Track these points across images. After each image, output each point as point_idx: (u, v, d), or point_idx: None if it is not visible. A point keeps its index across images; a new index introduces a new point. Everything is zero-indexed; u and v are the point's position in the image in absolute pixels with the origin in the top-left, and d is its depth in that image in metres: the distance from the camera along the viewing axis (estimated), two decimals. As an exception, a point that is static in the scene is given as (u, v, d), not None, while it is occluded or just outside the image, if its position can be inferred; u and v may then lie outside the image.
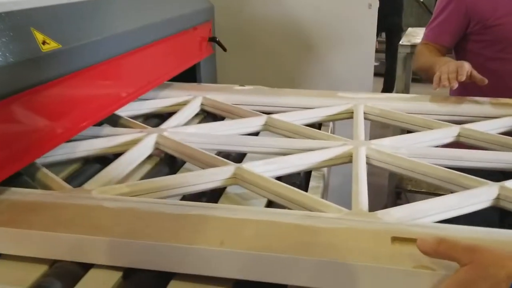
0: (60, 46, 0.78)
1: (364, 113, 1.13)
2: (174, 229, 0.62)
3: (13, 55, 0.68)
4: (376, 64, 4.83)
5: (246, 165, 0.82)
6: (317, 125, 1.15)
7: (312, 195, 0.73)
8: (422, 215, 0.70)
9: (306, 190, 0.84)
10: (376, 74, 2.06)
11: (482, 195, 0.75)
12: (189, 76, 1.44)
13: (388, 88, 4.34)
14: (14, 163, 0.71)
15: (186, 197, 0.80)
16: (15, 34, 0.71)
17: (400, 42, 2.44)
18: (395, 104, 1.16)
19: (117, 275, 0.61)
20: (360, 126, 1.03)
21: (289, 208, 0.73)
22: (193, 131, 1.01)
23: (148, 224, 0.64)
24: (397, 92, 3.78)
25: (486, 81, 1.17)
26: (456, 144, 1.01)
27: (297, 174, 0.89)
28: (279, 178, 0.83)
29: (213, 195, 0.84)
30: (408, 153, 0.90)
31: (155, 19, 1.15)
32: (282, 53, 2.01)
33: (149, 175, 0.90)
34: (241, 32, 1.99)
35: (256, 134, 1.08)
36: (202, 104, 1.21)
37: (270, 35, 2.00)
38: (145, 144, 0.93)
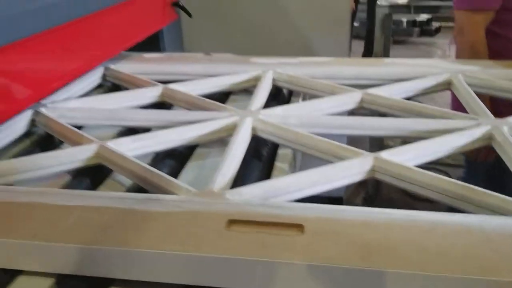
0: None
1: (274, 79, 1.06)
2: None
3: None
4: (356, 25, 4.65)
5: (112, 142, 0.76)
6: (224, 95, 1.07)
7: (166, 176, 0.67)
8: (280, 193, 0.64)
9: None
10: (357, 37, 1.94)
11: (355, 167, 0.69)
12: (151, 44, 1.33)
13: (368, 51, 4.13)
14: None
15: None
16: None
17: (378, 2, 2.30)
18: (308, 70, 1.09)
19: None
20: (260, 94, 0.96)
21: (145, 189, 0.67)
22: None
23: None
24: (375, 55, 3.66)
25: None
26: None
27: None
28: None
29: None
30: (298, 123, 0.84)
31: None
32: (252, 17, 1.89)
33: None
34: None
35: (154, 106, 1.01)
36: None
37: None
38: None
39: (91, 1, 1.00)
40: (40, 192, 0.62)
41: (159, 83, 1.03)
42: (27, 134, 0.87)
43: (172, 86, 1.01)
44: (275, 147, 0.86)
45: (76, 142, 0.78)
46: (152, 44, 1.35)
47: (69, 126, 0.82)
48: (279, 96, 1.08)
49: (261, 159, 0.83)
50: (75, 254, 0.51)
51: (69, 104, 0.93)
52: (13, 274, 0.53)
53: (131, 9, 1.17)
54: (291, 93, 1.10)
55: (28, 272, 0.53)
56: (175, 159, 0.81)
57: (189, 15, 1.41)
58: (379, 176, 0.70)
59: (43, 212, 0.58)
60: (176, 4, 1.40)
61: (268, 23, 1.84)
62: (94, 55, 1.05)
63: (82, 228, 0.54)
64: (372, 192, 2.14)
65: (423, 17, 4.51)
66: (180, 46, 1.51)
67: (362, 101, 0.95)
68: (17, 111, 0.82)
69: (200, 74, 1.10)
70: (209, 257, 0.50)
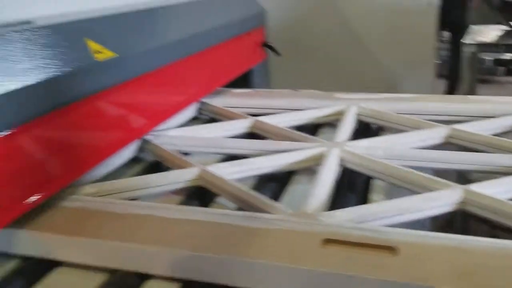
0: (116, 55, 0.83)
1: (358, 114, 1.11)
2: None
3: (67, 65, 0.72)
4: (438, 62, 4.54)
5: (212, 167, 0.84)
6: (313, 127, 1.13)
7: (263, 197, 0.73)
8: (371, 218, 0.68)
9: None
10: (440, 76, 1.96)
11: (444, 198, 0.71)
12: (242, 81, 1.44)
13: (451, 90, 4.03)
14: (74, 170, 0.76)
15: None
16: (70, 44, 0.75)
17: (465, 41, 2.30)
18: (392, 105, 1.12)
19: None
20: (345, 127, 1.01)
21: (243, 209, 0.74)
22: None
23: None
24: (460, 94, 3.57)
25: None
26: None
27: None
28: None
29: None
30: (383, 155, 0.88)
31: (207, 26, 1.19)
32: (338, 55, 1.97)
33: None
34: (295, 36, 1.98)
35: (245, 136, 1.09)
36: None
37: (325, 38, 1.97)
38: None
39: (196, 42, 1.12)
40: (156, 206, 0.71)
41: (250, 116, 1.11)
42: (136, 159, 0.99)
43: (261, 118, 1.09)
44: (364, 177, 0.89)
45: (180, 166, 0.87)
46: (242, 80, 1.46)
47: (173, 152, 0.92)
48: (364, 130, 1.11)
49: (352, 189, 0.86)
50: (192, 260, 0.58)
51: (171, 133, 1.04)
52: (143, 277, 0.61)
53: (228, 50, 1.29)
54: (378, 128, 1.13)
55: (154, 277, 0.60)
56: (268, 184, 0.87)
57: (278, 54, 1.51)
58: (469, 208, 0.71)
59: (158, 223, 0.66)
60: (266, 45, 1.51)
61: (353, 60, 1.91)
62: (196, 90, 1.16)
63: (192, 238, 0.62)
64: (458, 226, 2.05)
65: (509, 55, 4.33)
66: (268, 82, 1.62)
67: (448, 136, 0.96)
68: (135, 138, 0.93)
69: (286, 108, 1.18)
70: (309, 270, 0.54)
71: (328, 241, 0.59)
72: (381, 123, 1.08)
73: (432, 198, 0.72)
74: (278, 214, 0.67)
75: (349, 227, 0.62)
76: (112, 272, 0.62)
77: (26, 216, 0.67)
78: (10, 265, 0.67)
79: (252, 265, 0.57)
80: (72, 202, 0.73)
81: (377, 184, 0.85)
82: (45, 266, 0.65)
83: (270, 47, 1.53)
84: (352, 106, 1.11)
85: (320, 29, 1.96)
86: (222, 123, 1.11)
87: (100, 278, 0.62)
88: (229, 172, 0.83)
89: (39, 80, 0.66)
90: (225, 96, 1.29)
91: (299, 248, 0.58)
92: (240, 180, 0.83)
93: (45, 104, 0.68)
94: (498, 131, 1.00)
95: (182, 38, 1.07)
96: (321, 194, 0.74)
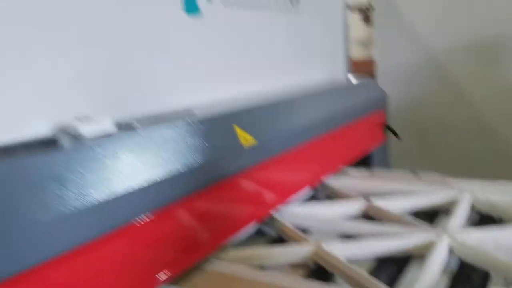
0: (256, 141, 1.02)
1: (474, 203, 1.13)
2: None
3: (221, 149, 0.90)
4: None
5: (326, 245, 0.94)
6: (427, 213, 1.18)
7: (377, 281, 0.80)
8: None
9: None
10: None
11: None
12: (362, 162, 1.56)
13: None
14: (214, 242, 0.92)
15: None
16: (223, 131, 0.94)
17: None
18: (510, 196, 1.12)
19: None
20: (459, 215, 1.04)
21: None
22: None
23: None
24: None
25: None
26: None
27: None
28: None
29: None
30: (496, 247, 0.89)
31: (331, 112, 1.36)
32: (460, 141, 1.98)
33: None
34: (416, 120, 2.07)
35: (357, 216, 1.18)
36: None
37: (446, 122, 2.00)
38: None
39: (321, 126, 1.28)
40: (282, 277, 0.84)
41: (364, 197, 1.20)
42: (259, 231, 1.14)
43: (375, 200, 1.17)
44: (480, 270, 0.90)
45: (297, 241, 0.99)
46: (363, 160, 1.56)
47: (292, 228, 1.05)
48: (480, 220, 1.12)
49: (467, 281, 0.88)
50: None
51: (291, 209, 1.17)
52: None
53: (350, 132, 1.42)
54: (494, 219, 1.13)
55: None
56: (382, 267, 0.94)
57: (398, 137, 1.59)
58: None
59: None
60: (387, 127, 1.60)
61: (476, 147, 1.88)
62: (319, 171, 1.30)
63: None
64: None
65: None
66: (387, 164, 1.70)
67: None
68: (265, 213, 1.08)
69: (402, 190, 1.24)
70: None
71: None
72: (497, 214, 1.09)
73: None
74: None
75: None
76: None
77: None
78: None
79: None
80: (211, 264, 0.90)
81: (494, 278, 0.86)
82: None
83: (391, 130, 1.61)
84: (469, 194, 1.14)
85: (441, 113, 1.99)
86: (338, 203, 1.22)
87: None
88: (342, 251, 0.93)
89: (199, 162, 0.85)
90: (343, 177, 1.40)
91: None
92: (351, 259, 0.92)
93: (198, 182, 0.87)
94: None
95: (310, 124, 1.24)
96: (427, 282, 0.79)
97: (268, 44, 1.37)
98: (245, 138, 0.99)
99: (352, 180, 1.37)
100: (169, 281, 0.80)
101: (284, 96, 1.24)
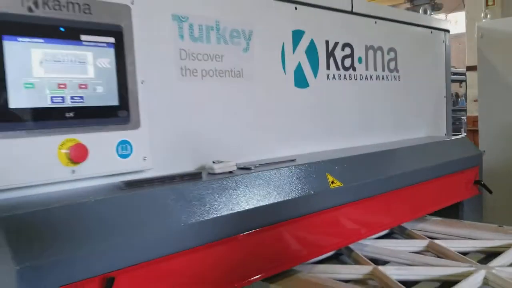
0: (342, 184, 1.36)
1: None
2: None
3: (311, 189, 1.29)
4: None
5: (382, 267, 1.24)
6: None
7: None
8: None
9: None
10: None
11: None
12: (454, 212, 1.78)
13: None
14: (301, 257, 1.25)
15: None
16: (316, 176, 1.33)
17: None
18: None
19: None
20: (503, 257, 1.25)
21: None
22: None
23: None
24: None
25: None
26: None
27: None
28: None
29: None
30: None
31: (421, 166, 1.60)
32: None
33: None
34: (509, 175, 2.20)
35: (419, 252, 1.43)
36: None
37: None
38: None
39: (407, 178, 1.55)
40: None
41: (429, 238, 1.45)
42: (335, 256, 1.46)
43: (437, 241, 1.42)
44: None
45: (361, 264, 1.29)
46: (455, 211, 1.75)
47: (360, 254, 1.35)
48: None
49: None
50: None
51: (365, 242, 1.47)
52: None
53: (439, 184, 1.64)
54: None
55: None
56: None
57: (490, 192, 1.73)
58: None
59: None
60: (478, 182, 1.76)
61: None
62: (402, 216, 1.55)
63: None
64: None
65: None
66: (479, 216, 1.82)
67: None
68: (345, 244, 1.39)
69: (465, 236, 1.47)
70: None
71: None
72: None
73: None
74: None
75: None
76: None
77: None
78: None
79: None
80: (295, 272, 1.25)
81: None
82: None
83: (483, 185, 1.76)
84: (520, 241, 1.33)
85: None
86: (406, 241, 1.49)
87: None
88: (395, 273, 1.21)
89: (295, 196, 1.22)
90: (423, 222, 1.66)
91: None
92: (402, 280, 1.20)
93: (293, 212, 1.23)
94: None
95: (395, 175, 1.51)
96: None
97: (368, 108, 1.71)
98: (333, 181, 1.32)
99: (426, 224, 1.62)
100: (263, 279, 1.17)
101: (378, 150, 1.53)
